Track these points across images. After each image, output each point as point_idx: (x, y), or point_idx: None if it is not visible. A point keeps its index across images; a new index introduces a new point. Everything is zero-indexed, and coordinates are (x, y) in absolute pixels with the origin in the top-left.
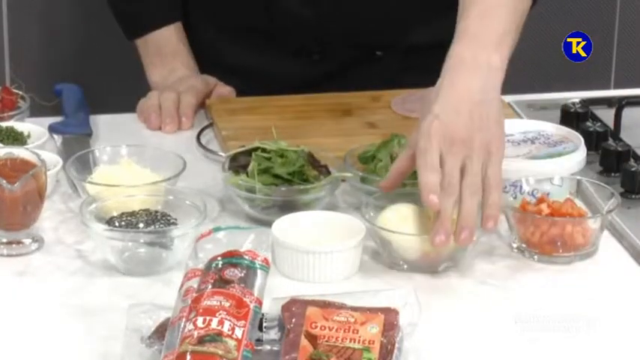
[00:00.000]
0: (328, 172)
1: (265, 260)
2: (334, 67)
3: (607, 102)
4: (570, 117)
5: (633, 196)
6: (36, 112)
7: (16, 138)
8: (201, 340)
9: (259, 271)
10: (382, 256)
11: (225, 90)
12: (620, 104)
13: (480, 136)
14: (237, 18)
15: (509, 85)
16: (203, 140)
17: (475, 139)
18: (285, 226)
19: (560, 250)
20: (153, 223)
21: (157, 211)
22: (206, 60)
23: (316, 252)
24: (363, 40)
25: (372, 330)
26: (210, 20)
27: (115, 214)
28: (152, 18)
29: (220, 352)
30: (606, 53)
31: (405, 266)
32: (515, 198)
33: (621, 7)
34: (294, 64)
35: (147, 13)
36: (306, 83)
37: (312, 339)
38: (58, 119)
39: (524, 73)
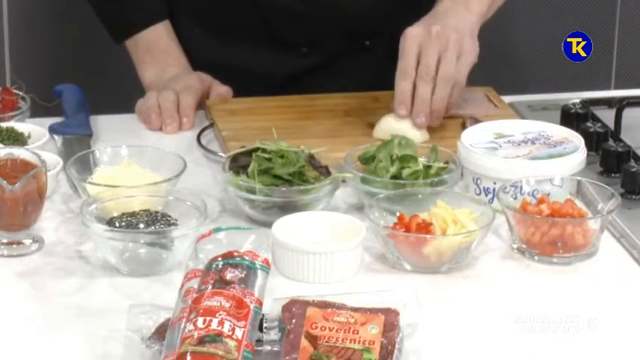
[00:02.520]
0: (328, 173)
1: (265, 261)
2: (323, 59)
3: (607, 102)
4: (570, 117)
5: (633, 197)
6: (36, 112)
7: (17, 138)
8: (201, 341)
9: (259, 272)
10: (386, 256)
11: (222, 89)
12: (620, 105)
13: (455, 36)
14: (223, 12)
15: (510, 85)
16: (203, 141)
17: (451, 36)
18: (286, 226)
19: (561, 251)
20: (153, 223)
21: (157, 212)
22: (192, 58)
23: (316, 252)
24: (350, 30)
25: (373, 330)
26: (194, 17)
27: (115, 214)
28: (140, 17)
29: (220, 353)
30: (606, 53)
31: (408, 267)
32: (515, 198)
33: (621, 7)
34: (283, 58)
35: (133, 12)
36: (295, 76)
37: (313, 339)
38: (58, 120)
39: (524, 73)
